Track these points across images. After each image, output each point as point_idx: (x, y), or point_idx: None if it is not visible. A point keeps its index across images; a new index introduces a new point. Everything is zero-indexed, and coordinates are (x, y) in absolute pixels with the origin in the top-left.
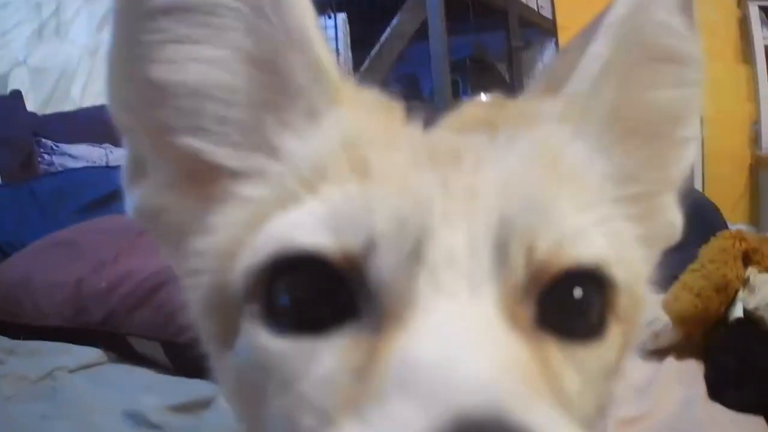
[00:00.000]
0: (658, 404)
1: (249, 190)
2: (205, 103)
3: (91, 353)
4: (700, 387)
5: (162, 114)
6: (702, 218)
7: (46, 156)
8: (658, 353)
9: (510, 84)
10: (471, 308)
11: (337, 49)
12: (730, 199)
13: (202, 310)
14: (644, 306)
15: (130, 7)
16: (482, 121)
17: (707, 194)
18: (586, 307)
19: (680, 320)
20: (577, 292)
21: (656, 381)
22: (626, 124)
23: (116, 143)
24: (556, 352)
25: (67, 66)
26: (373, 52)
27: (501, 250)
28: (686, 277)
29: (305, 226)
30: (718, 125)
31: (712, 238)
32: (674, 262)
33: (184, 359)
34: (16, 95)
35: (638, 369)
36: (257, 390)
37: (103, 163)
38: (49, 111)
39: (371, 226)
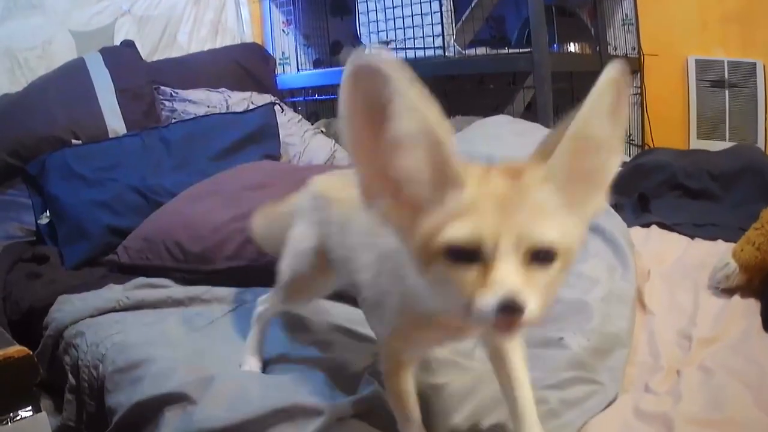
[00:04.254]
0: (726, 330)
1: (434, 212)
2: (411, 177)
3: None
4: (757, 320)
5: (390, 184)
6: (765, 182)
7: (166, 103)
8: (728, 291)
9: (594, 35)
10: (509, 265)
11: (440, 1)
12: None
13: (418, 258)
14: (577, 248)
15: (370, 142)
16: (512, 188)
17: None
18: (549, 256)
19: (744, 267)
20: (546, 252)
21: (725, 313)
22: (575, 175)
23: (231, 87)
24: (536, 273)
25: (173, 13)
26: (473, 2)
27: (518, 246)
28: (750, 233)
29: (459, 234)
30: None
31: None
32: (743, 219)
33: None
34: (130, 44)
35: (714, 303)
36: (442, 287)
37: (224, 108)
38: (156, 58)
39: (480, 237)
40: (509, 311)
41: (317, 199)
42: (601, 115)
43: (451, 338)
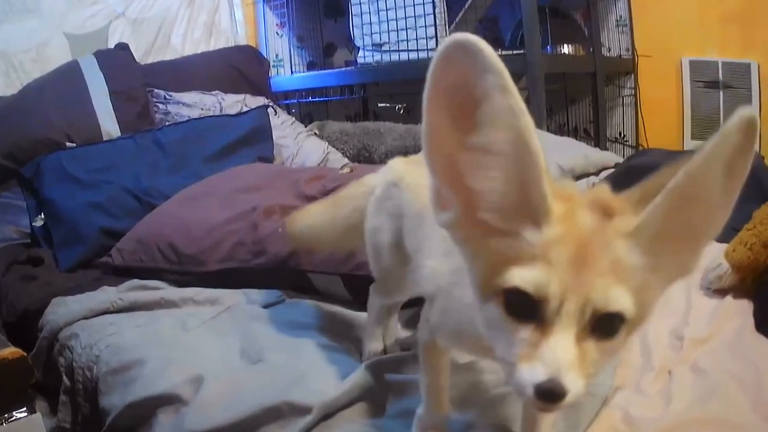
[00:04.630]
0: (718, 330)
1: (505, 243)
2: (489, 197)
3: (270, 294)
4: (750, 321)
5: (467, 197)
6: (758, 183)
7: (160, 105)
8: (720, 292)
9: (587, 36)
10: (567, 336)
11: (433, 2)
12: None
13: (476, 287)
14: (648, 315)
15: (448, 146)
16: (595, 238)
17: (764, 148)
18: (614, 325)
19: (737, 267)
20: (612, 321)
21: (718, 313)
22: (668, 234)
23: (225, 89)
24: (593, 346)
25: (167, 15)
26: (466, 4)
27: (584, 310)
28: (742, 234)
29: (525, 282)
30: None
31: (763, 205)
32: (736, 220)
33: (364, 291)
34: (124, 47)
35: (706, 303)
36: (493, 329)
37: (218, 110)
38: (150, 61)
39: (547, 293)
40: (548, 397)
41: (391, 187)
42: (716, 171)
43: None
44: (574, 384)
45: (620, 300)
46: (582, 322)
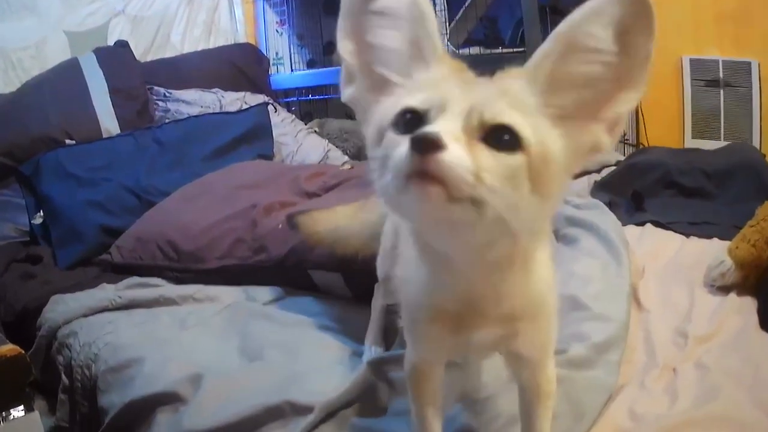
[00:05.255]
0: (722, 328)
1: (397, 92)
2: (389, 54)
3: (268, 292)
4: (754, 319)
5: (368, 55)
6: (761, 179)
7: (160, 103)
8: (723, 289)
9: None
10: (447, 121)
11: (434, 2)
12: None
13: (372, 138)
14: (555, 164)
15: (355, 10)
16: (485, 78)
17: (765, 146)
18: (509, 143)
19: (740, 265)
20: (507, 138)
21: (721, 310)
22: (560, 84)
23: (225, 87)
24: (485, 151)
25: (166, 13)
26: (466, 3)
27: (471, 116)
28: (745, 231)
29: (413, 99)
30: None
31: (766, 202)
32: (737, 217)
33: (364, 288)
34: (124, 44)
35: (710, 301)
36: (384, 159)
37: (218, 108)
38: (150, 58)
39: (432, 104)
40: (422, 144)
41: None
42: (599, 23)
43: (458, 341)
44: (453, 146)
45: (509, 115)
46: (469, 125)
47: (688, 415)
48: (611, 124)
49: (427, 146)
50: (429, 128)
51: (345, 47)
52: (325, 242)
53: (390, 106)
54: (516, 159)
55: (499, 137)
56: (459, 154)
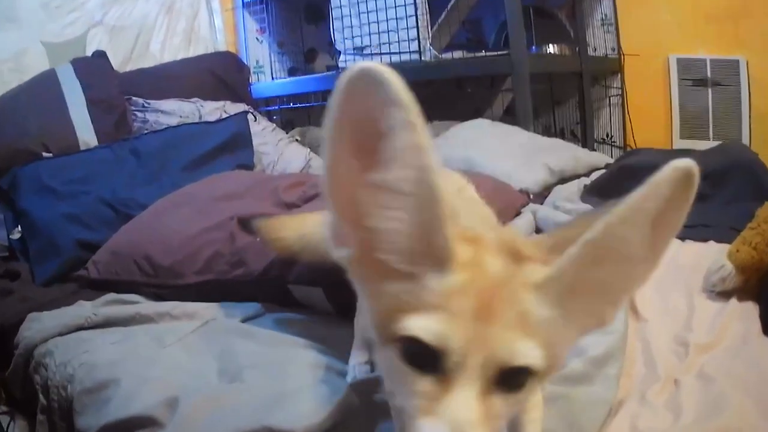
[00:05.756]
0: (724, 335)
1: (404, 289)
2: (390, 238)
3: (250, 307)
4: (756, 324)
5: (365, 234)
6: (756, 179)
7: (138, 113)
8: (723, 295)
9: (572, 35)
10: (469, 393)
11: (415, 4)
12: None
13: (374, 329)
14: (560, 364)
15: (351, 179)
16: (501, 288)
17: (755, 145)
18: (521, 379)
19: (741, 268)
20: (519, 374)
21: (722, 316)
22: (581, 287)
23: (205, 96)
24: (499, 401)
25: (145, 22)
26: (449, 6)
27: (488, 365)
28: (746, 233)
29: (425, 331)
30: (765, 79)
31: (766, 203)
32: (735, 220)
33: (346, 303)
34: (101, 54)
35: (710, 307)
36: (391, 378)
37: (197, 118)
38: (129, 68)
39: (447, 344)
40: None
41: None
42: (639, 225)
43: None
44: None
45: (527, 354)
46: (486, 376)
47: (695, 429)
48: (620, 303)
49: None
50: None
51: (333, 198)
52: (293, 249)
53: (395, 309)
54: (527, 389)
55: (513, 377)
56: None
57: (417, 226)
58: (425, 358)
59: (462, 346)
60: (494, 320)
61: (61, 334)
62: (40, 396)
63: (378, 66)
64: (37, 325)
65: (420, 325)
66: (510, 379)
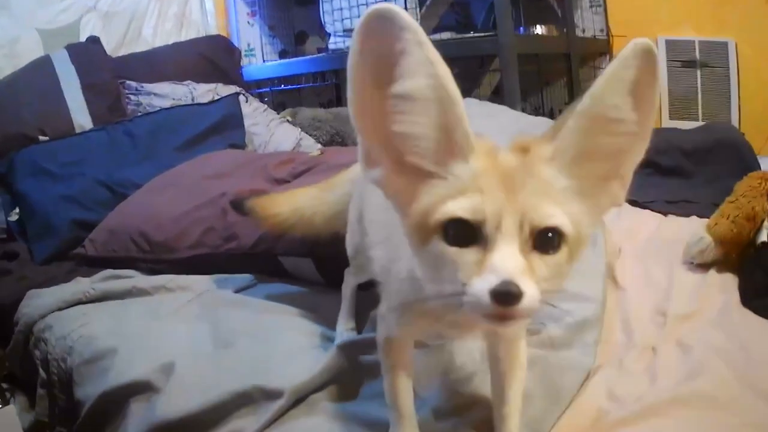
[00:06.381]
0: (703, 305)
1: (436, 184)
2: (416, 141)
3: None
4: (735, 296)
5: (394, 141)
6: (740, 157)
7: (132, 97)
8: (703, 266)
9: (561, 16)
10: (511, 247)
11: None
12: (762, 131)
13: (414, 232)
14: (587, 237)
15: (368, 93)
16: (520, 165)
17: (743, 126)
18: (554, 241)
19: (719, 241)
20: (551, 236)
21: (702, 288)
22: (586, 156)
23: (197, 79)
24: (538, 260)
25: (137, 7)
26: None
27: (522, 226)
28: (724, 207)
29: (461, 209)
30: (753, 60)
31: (745, 177)
32: (716, 195)
33: (335, 273)
34: (95, 40)
35: (689, 278)
36: (436, 269)
37: (189, 100)
38: (122, 53)
39: (484, 215)
40: (505, 299)
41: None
42: (619, 92)
43: (451, 332)
44: (527, 286)
45: (555, 215)
46: (522, 237)
47: (670, 394)
48: (624, 178)
49: (509, 301)
50: (508, 279)
51: (361, 125)
52: (287, 223)
53: (432, 203)
54: (562, 255)
55: (546, 239)
56: (532, 293)
57: (438, 125)
58: (466, 236)
59: (496, 213)
60: (520, 190)
61: (60, 309)
62: (40, 370)
63: (388, 4)
64: (36, 301)
65: (457, 207)
66: (544, 240)
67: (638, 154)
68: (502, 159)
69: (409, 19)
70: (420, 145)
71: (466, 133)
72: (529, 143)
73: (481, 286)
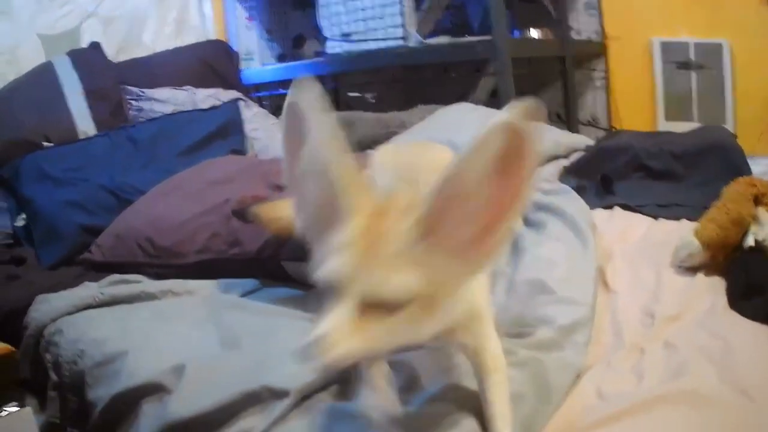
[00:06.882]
0: (690, 307)
1: (322, 245)
2: (314, 208)
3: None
4: (723, 299)
5: (303, 203)
6: (730, 160)
7: (133, 102)
8: (691, 269)
9: (555, 19)
10: (340, 310)
11: None
12: (757, 132)
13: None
14: (451, 290)
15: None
16: (379, 232)
17: (739, 127)
18: (392, 305)
19: (707, 245)
20: (391, 305)
21: (690, 290)
22: (451, 222)
23: (197, 84)
24: (374, 321)
25: (137, 13)
26: None
27: (360, 295)
28: (712, 212)
29: (322, 271)
30: (748, 61)
31: (732, 182)
32: (706, 198)
33: None
34: (96, 46)
35: (677, 281)
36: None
37: (190, 105)
38: (122, 59)
39: (333, 280)
40: (309, 353)
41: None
42: (480, 169)
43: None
44: (339, 344)
45: (393, 287)
46: (362, 302)
47: (657, 391)
48: (496, 240)
49: (312, 355)
50: (316, 332)
51: (291, 188)
52: (291, 227)
53: (317, 260)
54: (405, 311)
55: (385, 303)
56: (342, 350)
57: (326, 199)
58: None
59: (341, 282)
60: (373, 258)
61: (69, 314)
62: (51, 373)
63: (296, 96)
64: (45, 306)
65: (321, 270)
66: (385, 304)
67: (510, 220)
68: (371, 224)
69: (310, 108)
70: (315, 210)
71: (347, 206)
72: (398, 205)
73: (302, 342)
